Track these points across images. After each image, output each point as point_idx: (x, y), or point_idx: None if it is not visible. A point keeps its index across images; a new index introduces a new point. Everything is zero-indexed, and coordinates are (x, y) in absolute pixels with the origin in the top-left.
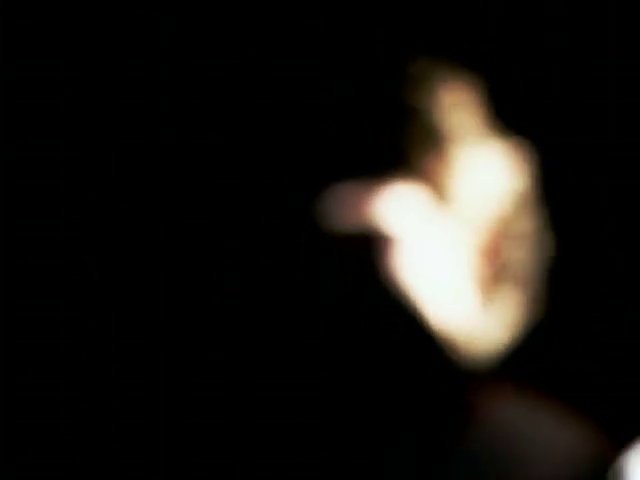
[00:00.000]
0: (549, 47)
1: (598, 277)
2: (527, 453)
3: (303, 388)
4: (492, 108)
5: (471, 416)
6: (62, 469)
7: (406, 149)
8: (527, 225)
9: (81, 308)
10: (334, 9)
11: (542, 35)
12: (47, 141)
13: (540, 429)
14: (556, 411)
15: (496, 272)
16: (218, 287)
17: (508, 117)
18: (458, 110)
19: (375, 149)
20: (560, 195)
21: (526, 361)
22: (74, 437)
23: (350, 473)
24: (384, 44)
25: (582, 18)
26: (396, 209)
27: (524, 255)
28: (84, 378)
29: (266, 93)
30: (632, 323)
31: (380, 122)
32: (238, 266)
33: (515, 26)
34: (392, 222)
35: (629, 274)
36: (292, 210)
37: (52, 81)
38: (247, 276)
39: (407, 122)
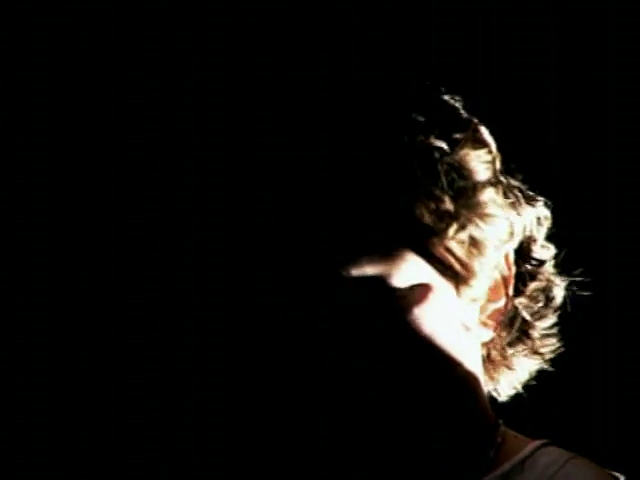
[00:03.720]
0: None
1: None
2: None
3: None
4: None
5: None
6: (62, 469)
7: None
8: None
9: (80, 308)
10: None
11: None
12: (46, 140)
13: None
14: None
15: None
16: (217, 289)
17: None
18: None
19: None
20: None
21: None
22: (74, 437)
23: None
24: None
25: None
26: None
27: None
28: (83, 378)
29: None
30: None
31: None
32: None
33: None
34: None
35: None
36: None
37: (51, 81)
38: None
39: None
